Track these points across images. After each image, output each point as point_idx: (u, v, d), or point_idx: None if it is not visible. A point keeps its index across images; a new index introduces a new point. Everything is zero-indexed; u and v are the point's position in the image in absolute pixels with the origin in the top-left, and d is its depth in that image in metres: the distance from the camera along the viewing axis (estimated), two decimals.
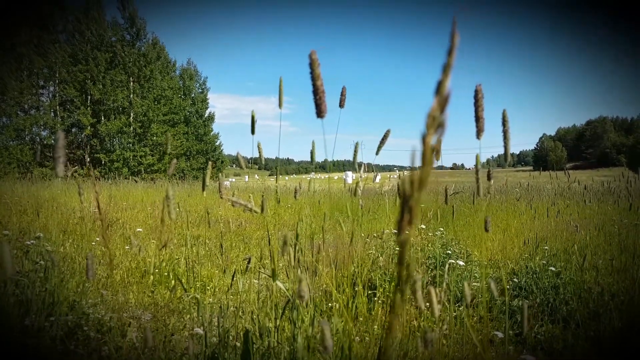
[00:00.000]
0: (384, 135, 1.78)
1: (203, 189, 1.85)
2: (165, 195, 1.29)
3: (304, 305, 1.85)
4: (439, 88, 0.40)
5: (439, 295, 2.45)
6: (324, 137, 1.50)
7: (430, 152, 0.40)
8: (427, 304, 1.13)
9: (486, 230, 1.54)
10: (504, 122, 1.16)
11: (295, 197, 2.69)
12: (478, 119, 1.02)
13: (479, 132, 1.03)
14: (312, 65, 0.95)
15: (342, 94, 1.63)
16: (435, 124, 0.40)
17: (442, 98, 0.40)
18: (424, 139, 0.40)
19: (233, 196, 1.50)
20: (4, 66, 23.07)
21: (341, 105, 1.64)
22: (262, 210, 1.68)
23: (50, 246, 3.85)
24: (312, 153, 1.82)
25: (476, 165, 1.29)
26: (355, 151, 1.98)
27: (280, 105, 1.62)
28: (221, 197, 1.72)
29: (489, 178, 1.46)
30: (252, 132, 1.64)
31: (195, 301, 3.25)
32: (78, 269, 3.67)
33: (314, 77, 0.95)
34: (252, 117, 1.60)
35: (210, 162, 1.90)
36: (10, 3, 23.95)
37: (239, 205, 1.48)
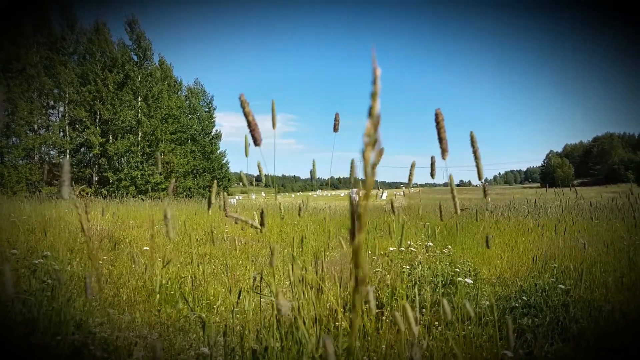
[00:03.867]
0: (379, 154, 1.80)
1: (209, 208, 1.86)
2: (164, 215, 1.30)
3: (310, 325, 1.84)
4: (370, 111, 0.47)
5: (415, 314, 2.42)
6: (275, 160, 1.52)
7: (369, 166, 0.46)
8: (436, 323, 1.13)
9: (487, 246, 1.54)
10: (472, 143, 1.18)
11: (299, 214, 2.70)
12: (441, 140, 1.07)
13: (443, 153, 1.08)
14: (242, 104, 1.11)
15: (336, 120, 1.74)
16: (372, 141, 0.46)
17: (374, 120, 0.46)
18: (363, 155, 0.46)
19: (236, 213, 1.51)
20: (14, 87, 23.48)
21: (335, 129, 1.73)
22: (263, 225, 1.71)
23: (58, 265, 3.86)
24: (311, 172, 1.86)
25: (450, 184, 1.29)
26: (352, 168, 1.98)
27: (273, 125, 1.70)
28: (226, 215, 1.73)
29: (485, 195, 1.47)
30: (246, 154, 1.69)
31: (201, 320, 3.24)
32: (84, 287, 3.66)
33: (245, 114, 1.12)
34: (246, 141, 1.64)
35: (215, 181, 1.92)
36: (22, 26, 24.47)
37: (240, 222, 1.51)
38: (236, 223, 1.47)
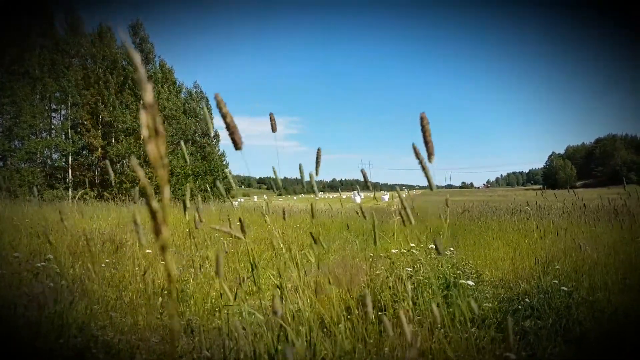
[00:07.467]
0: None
1: (185, 212, 1.83)
2: (134, 221, 1.24)
3: (314, 328, 1.84)
4: (143, 101, 0.42)
5: (410, 316, 2.42)
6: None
7: (158, 160, 0.43)
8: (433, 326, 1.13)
9: (438, 253, 1.52)
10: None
11: (284, 218, 2.76)
12: (427, 143, 1.03)
13: (429, 156, 1.04)
14: (218, 105, 1.02)
15: (272, 120, 1.69)
16: (152, 133, 0.42)
17: (148, 109, 0.42)
18: (146, 148, 0.42)
19: (217, 224, 1.51)
20: (18, 91, 23.51)
21: (273, 130, 1.70)
22: (244, 233, 1.70)
23: (60, 268, 3.86)
24: (301, 173, 1.87)
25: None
26: (317, 171, 1.96)
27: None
28: (196, 227, 1.70)
29: (447, 205, 1.45)
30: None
31: (203, 323, 3.24)
32: (87, 291, 3.67)
33: (222, 115, 1.01)
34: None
35: (188, 184, 1.90)
36: (26, 30, 24.55)
37: (220, 231, 1.49)
38: (211, 229, 1.47)
